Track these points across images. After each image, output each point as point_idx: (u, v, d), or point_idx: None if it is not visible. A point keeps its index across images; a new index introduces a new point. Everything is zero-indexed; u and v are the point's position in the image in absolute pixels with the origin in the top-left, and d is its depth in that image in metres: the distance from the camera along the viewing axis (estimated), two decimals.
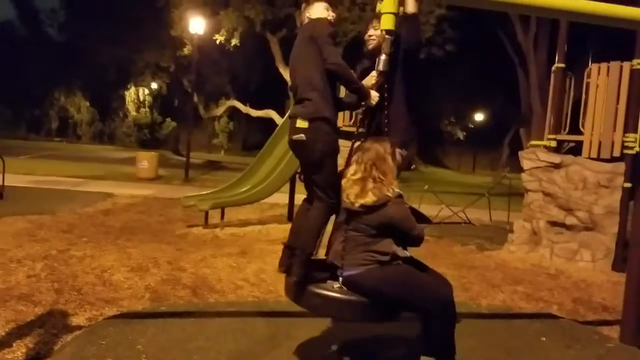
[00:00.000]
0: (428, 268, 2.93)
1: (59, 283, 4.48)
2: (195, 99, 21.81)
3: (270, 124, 21.60)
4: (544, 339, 3.87)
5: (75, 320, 3.72)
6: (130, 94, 36.29)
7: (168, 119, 37.04)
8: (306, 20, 3.08)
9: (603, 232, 6.84)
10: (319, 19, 2.98)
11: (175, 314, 3.88)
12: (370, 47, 3.31)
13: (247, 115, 24.71)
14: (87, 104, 39.95)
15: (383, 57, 2.93)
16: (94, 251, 5.72)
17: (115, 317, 3.77)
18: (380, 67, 2.96)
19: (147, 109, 36.98)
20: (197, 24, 15.44)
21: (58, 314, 3.79)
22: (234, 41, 15.76)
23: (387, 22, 2.84)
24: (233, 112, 28.80)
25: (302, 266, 2.81)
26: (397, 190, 2.78)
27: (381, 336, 3.63)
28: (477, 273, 6.14)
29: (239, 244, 6.90)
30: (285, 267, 2.93)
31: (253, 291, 4.89)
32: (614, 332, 4.17)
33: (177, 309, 4.03)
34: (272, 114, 19.70)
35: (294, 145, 2.98)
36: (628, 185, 6.74)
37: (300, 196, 11.36)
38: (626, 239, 6.75)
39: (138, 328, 3.52)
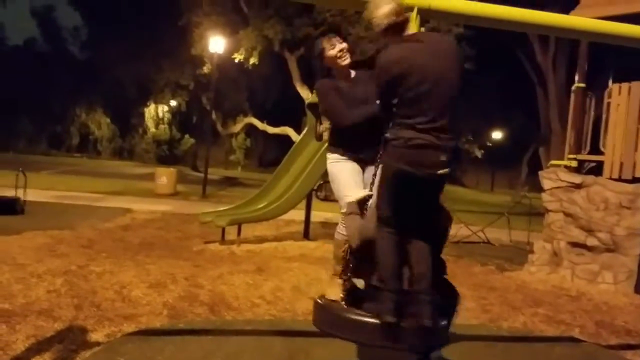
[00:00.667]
0: None
1: (78, 299, 4.51)
2: (214, 116, 22.07)
3: (286, 140, 21.73)
4: None
5: (94, 337, 3.73)
6: (149, 110, 36.86)
7: (186, 136, 37.51)
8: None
9: (625, 253, 6.71)
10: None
11: (193, 331, 3.88)
12: (345, 62, 3.07)
13: (264, 132, 24.92)
14: (108, 120, 40.66)
15: None
16: (113, 267, 5.76)
17: (133, 333, 3.78)
18: None
19: (166, 126, 37.52)
20: (217, 43, 15.70)
21: (77, 329, 3.81)
22: (253, 60, 15.98)
23: None
24: (250, 129, 29.08)
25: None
26: None
27: None
28: (498, 294, 6.05)
29: (256, 261, 6.90)
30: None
31: (270, 309, 4.88)
32: (637, 357, 4.07)
33: (194, 326, 4.03)
34: (288, 131, 19.83)
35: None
36: None
37: (317, 213, 11.35)
38: None
39: (156, 345, 3.52)
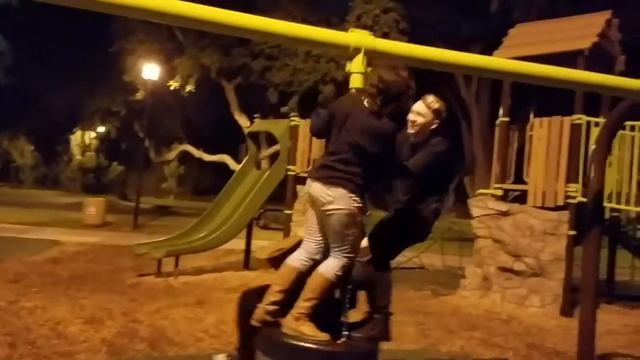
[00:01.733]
0: None
1: (11, 336, 4.29)
2: (147, 143, 21.56)
3: (223, 168, 21.53)
4: None
5: None
6: (76, 137, 35.46)
7: (114, 163, 36.24)
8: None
9: (551, 277, 7.14)
10: None
11: None
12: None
13: (198, 160, 24.58)
14: (31, 147, 38.69)
15: None
16: (45, 302, 5.50)
17: None
18: None
19: (93, 153, 36.11)
20: (151, 70, 15.47)
21: None
22: (189, 87, 15.89)
23: (356, 82, 3.00)
24: (183, 157, 28.61)
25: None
26: None
27: None
28: (434, 319, 6.26)
29: (195, 294, 6.79)
30: None
31: (213, 343, 4.81)
32: None
33: None
34: (226, 159, 19.71)
35: None
36: (572, 232, 7.12)
37: (256, 242, 11.26)
38: (572, 284, 7.09)
39: None
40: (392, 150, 2.98)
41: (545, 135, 7.57)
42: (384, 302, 3.18)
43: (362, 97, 2.93)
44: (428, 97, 3.26)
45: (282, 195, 9.35)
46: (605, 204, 6.71)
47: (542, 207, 7.45)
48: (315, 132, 3.23)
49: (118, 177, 35.99)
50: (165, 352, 4.46)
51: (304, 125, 9.11)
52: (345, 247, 2.80)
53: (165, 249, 7.91)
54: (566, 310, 6.97)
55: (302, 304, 2.79)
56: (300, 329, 2.75)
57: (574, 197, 7.19)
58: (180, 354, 4.39)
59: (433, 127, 3.25)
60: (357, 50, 2.96)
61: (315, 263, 2.89)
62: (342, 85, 15.33)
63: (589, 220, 4.22)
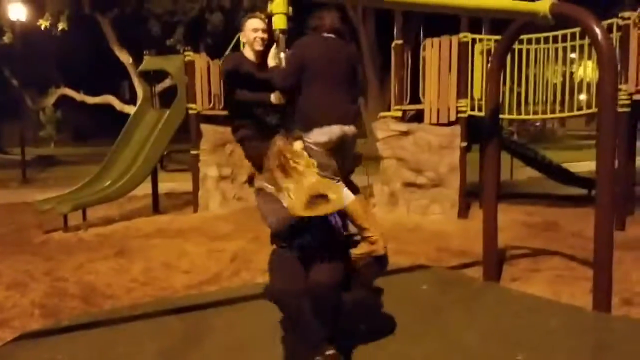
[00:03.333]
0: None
1: None
2: (20, 90, 19.44)
3: (105, 109, 20.18)
4: (425, 286, 4.49)
5: None
6: None
7: None
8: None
9: (448, 187, 7.86)
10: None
11: (83, 325, 3.75)
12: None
13: (76, 103, 22.78)
14: None
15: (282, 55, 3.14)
16: None
17: (16, 339, 3.55)
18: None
19: None
20: (17, 10, 13.83)
21: None
22: (62, 25, 14.47)
23: (280, 22, 3.04)
24: (60, 101, 26.35)
25: None
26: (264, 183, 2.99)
27: None
28: None
29: (112, 244, 6.66)
30: None
31: (147, 291, 4.86)
32: (475, 272, 4.95)
33: (81, 320, 3.89)
34: (111, 99, 18.50)
35: None
36: (464, 144, 7.80)
37: (165, 184, 11.01)
38: (467, 190, 7.87)
39: (49, 345, 3.38)
40: None
41: (436, 55, 8.03)
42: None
43: (323, 36, 3.34)
44: (256, 13, 3.53)
45: (182, 135, 9.14)
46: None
47: (437, 124, 8.04)
48: (290, 84, 3.26)
49: None
50: (102, 306, 4.45)
51: (199, 60, 8.85)
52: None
53: (71, 202, 7.57)
54: (462, 213, 7.77)
55: (368, 229, 3.13)
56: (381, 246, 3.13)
57: (464, 112, 7.83)
58: (118, 306, 4.40)
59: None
60: None
61: None
62: (230, 12, 14.78)
63: (487, 133, 4.69)
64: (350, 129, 3.30)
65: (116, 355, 3.28)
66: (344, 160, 3.34)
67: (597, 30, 3.68)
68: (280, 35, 3.10)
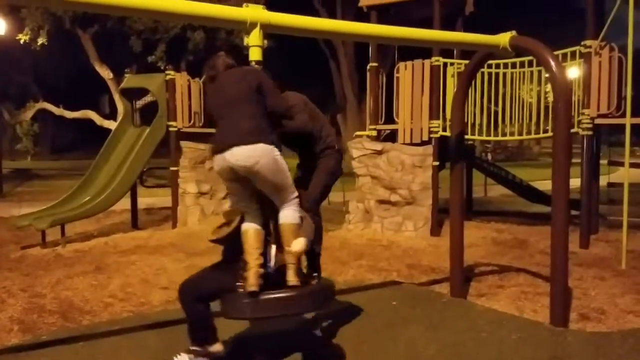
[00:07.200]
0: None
1: None
2: None
3: (82, 124, 20.07)
4: (395, 302, 4.69)
5: None
6: None
7: None
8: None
9: (421, 204, 8.10)
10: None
11: (61, 340, 3.86)
12: None
13: (54, 117, 22.66)
14: None
15: None
16: None
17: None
18: None
19: None
20: None
21: None
22: (41, 40, 14.50)
23: (255, 54, 3.24)
24: (38, 114, 26.19)
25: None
26: None
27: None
28: (327, 253, 6.84)
29: (90, 260, 6.73)
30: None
31: (125, 306, 4.94)
32: (443, 289, 5.16)
33: (59, 336, 4.00)
34: (90, 114, 18.48)
35: None
36: (436, 163, 8.07)
37: (144, 200, 11.05)
38: (438, 208, 8.12)
39: None
40: None
41: (410, 77, 8.33)
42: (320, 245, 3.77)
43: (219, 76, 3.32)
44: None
45: (161, 152, 9.28)
46: None
47: (410, 143, 8.32)
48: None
49: None
50: (80, 322, 4.54)
51: (179, 78, 9.04)
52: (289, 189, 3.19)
53: (50, 218, 7.62)
54: (435, 230, 8.02)
55: (293, 258, 3.07)
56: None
57: (436, 132, 8.11)
58: (96, 322, 4.50)
59: None
60: (253, 25, 3.19)
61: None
62: (212, 31, 14.98)
63: (453, 155, 4.94)
64: (238, 153, 3.02)
65: None
66: (264, 185, 3.13)
67: (551, 62, 3.98)
68: (256, 67, 3.30)
